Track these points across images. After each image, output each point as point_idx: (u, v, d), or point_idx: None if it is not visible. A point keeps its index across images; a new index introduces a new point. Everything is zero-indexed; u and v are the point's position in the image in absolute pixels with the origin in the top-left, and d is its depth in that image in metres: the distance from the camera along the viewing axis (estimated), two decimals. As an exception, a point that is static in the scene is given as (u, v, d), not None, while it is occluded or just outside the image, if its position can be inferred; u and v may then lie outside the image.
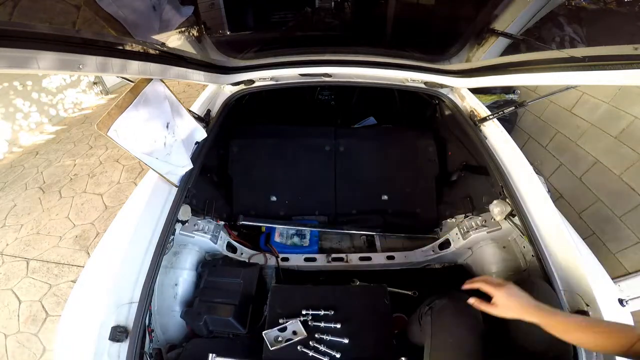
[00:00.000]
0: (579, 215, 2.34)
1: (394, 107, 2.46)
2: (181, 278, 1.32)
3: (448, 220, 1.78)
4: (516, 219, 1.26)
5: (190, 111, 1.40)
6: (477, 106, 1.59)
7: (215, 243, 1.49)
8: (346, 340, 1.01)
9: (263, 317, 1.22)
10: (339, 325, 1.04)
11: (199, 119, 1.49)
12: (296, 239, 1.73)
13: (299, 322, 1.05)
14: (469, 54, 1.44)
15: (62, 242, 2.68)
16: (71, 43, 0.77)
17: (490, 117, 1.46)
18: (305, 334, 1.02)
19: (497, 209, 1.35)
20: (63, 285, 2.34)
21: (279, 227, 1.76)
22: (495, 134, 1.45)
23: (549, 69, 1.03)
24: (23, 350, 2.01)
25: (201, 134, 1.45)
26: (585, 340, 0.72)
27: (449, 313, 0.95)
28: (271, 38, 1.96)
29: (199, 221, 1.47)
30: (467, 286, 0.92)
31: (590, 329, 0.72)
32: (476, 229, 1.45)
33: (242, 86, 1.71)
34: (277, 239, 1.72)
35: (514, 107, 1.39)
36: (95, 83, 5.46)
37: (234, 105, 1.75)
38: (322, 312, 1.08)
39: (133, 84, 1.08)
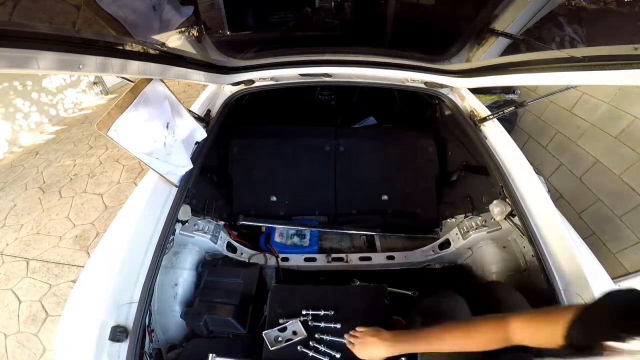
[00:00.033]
0: (579, 215, 2.34)
1: (394, 107, 2.46)
2: (181, 278, 1.32)
3: (448, 220, 1.78)
4: (516, 219, 1.26)
5: (190, 111, 1.40)
6: (477, 106, 1.59)
7: (215, 243, 1.49)
8: None
9: (263, 317, 1.22)
10: (339, 325, 1.04)
11: (199, 119, 1.49)
12: (296, 239, 1.73)
13: (299, 322, 1.05)
14: (469, 54, 1.44)
15: (62, 242, 2.68)
16: (71, 43, 0.77)
17: (490, 117, 1.46)
18: (305, 334, 1.02)
19: (497, 209, 1.35)
20: (63, 285, 2.34)
21: (279, 227, 1.76)
22: (495, 134, 1.45)
23: (549, 69, 1.03)
24: (23, 350, 2.01)
25: (201, 134, 1.45)
26: (459, 342, 0.73)
27: (436, 312, 0.96)
28: (271, 38, 1.96)
29: (199, 221, 1.47)
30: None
31: (456, 330, 0.73)
32: (476, 229, 1.45)
33: (242, 86, 1.71)
34: (277, 239, 1.72)
35: (514, 107, 1.39)
36: (95, 83, 5.46)
37: (234, 105, 1.75)
38: (322, 312, 1.08)
39: (133, 84, 1.08)
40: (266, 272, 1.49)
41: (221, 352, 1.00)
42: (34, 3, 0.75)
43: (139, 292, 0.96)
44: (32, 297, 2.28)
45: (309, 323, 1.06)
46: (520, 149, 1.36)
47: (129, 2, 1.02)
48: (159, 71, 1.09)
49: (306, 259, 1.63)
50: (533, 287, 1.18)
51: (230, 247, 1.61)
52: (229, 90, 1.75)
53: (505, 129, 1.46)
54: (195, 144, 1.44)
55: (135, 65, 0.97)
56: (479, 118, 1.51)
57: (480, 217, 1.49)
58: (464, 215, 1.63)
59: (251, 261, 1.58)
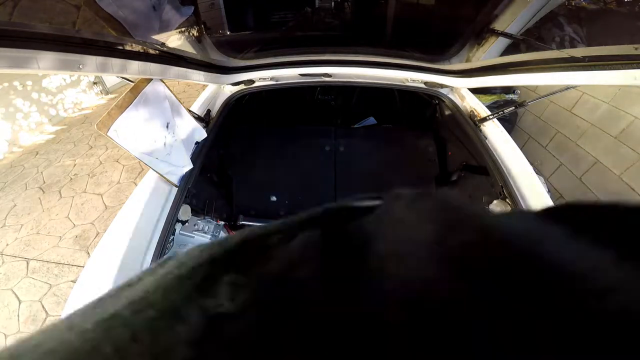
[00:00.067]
0: (579, 215, 2.33)
1: (394, 107, 2.46)
2: (181, 278, 1.32)
3: (448, 220, 1.77)
4: (516, 219, 1.26)
5: (190, 111, 1.40)
6: (477, 106, 1.59)
7: (215, 243, 1.49)
8: None
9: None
10: None
11: (199, 119, 1.49)
12: (296, 239, 1.73)
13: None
14: (469, 54, 1.45)
15: (62, 242, 2.68)
16: (71, 43, 0.77)
17: (490, 117, 1.46)
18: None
19: (497, 209, 1.35)
20: (63, 285, 2.34)
21: (279, 227, 1.76)
22: (495, 134, 1.45)
23: (549, 69, 1.03)
24: (23, 350, 2.01)
25: (201, 134, 1.45)
26: None
27: None
28: (271, 38, 1.96)
29: (199, 221, 1.47)
30: None
31: None
32: (476, 229, 1.45)
33: (242, 86, 1.71)
34: (277, 239, 1.71)
35: (514, 107, 1.39)
36: (95, 83, 5.46)
37: (234, 105, 1.75)
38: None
39: (133, 84, 1.08)
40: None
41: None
42: (34, 3, 0.75)
43: (139, 292, 0.95)
44: (32, 297, 2.28)
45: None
46: (520, 149, 1.36)
47: (129, 2, 1.02)
48: (159, 71, 1.10)
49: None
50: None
51: (230, 247, 1.61)
52: (229, 90, 1.75)
53: (505, 129, 1.46)
54: (195, 144, 1.44)
55: (135, 65, 0.97)
56: (479, 118, 1.51)
57: (480, 217, 1.49)
58: (464, 215, 1.63)
59: (251, 261, 1.58)
